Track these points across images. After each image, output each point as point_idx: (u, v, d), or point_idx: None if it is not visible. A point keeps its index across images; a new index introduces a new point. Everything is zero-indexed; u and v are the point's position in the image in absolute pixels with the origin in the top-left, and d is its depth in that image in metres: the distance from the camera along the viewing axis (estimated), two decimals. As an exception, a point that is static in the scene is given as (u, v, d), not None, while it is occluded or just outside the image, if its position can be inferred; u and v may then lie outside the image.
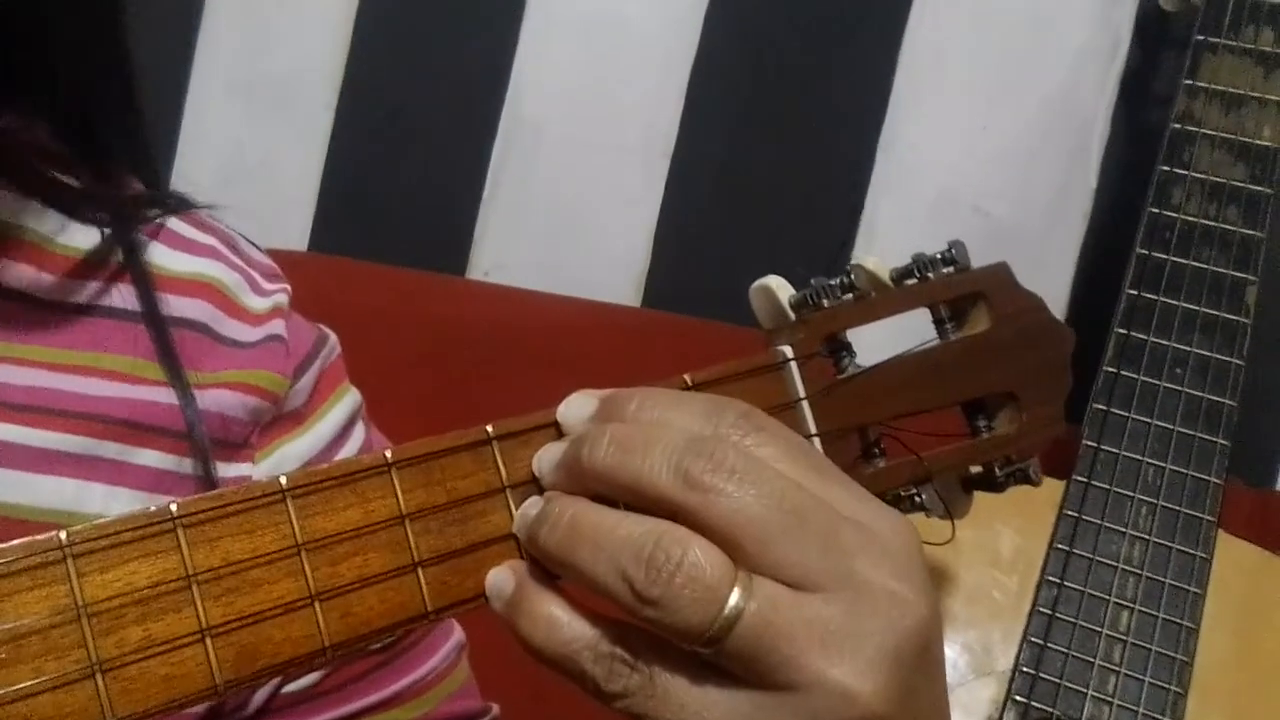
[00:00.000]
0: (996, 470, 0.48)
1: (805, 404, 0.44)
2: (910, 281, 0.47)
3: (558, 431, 0.40)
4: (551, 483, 0.39)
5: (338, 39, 1.13)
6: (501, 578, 0.38)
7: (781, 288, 0.45)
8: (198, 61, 1.14)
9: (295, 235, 1.14)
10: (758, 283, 0.46)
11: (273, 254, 0.58)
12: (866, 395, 0.45)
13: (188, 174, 1.14)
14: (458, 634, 0.61)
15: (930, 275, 0.47)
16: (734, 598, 0.34)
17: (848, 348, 0.45)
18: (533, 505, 0.39)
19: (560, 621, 0.37)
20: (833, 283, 0.45)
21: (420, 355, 0.97)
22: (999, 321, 0.47)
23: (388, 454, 0.38)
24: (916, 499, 0.45)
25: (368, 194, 1.14)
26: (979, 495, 0.78)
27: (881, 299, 0.46)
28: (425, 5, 1.13)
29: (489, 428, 0.39)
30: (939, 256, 0.47)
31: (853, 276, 0.45)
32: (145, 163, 0.56)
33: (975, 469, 0.49)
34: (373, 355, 0.80)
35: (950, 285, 0.47)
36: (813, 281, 0.45)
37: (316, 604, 0.37)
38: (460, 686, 0.60)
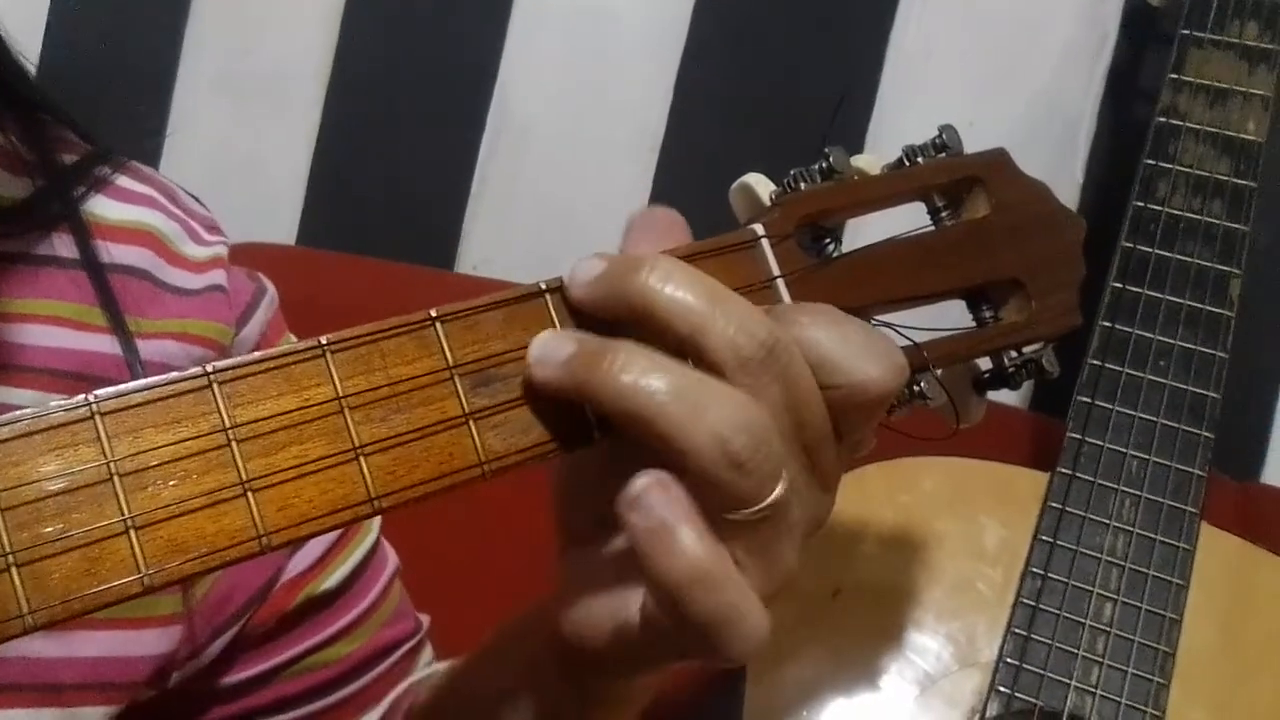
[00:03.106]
0: (1006, 362, 0.45)
1: (781, 283, 0.42)
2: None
3: (504, 314, 0.39)
4: (585, 296, 0.39)
5: (325, 34, 1.13)
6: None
7: (761, 183, 0.44)
8: (185, 57, 1.14)
9: (283, 230, 1.14)
10: (737, 182, 0.44)
11: (261, 248, 0.59)
12: (852, 280, 0.42)
13: (175, 169, 1.13)
14: (392, 563, 0.63)
15: (920, 161, 0.44)
16: (783, 479, 0.37)
17: (832, 234, 0.43)
18: (563, 339, 0.38)
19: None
20: (811, 167, 0.43)
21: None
22: (999, 208, 0.44)
23: (322, 339, 0.36)
24: (915, 387, 0.43)
25: (356, 189, 1.14)
26: (962, 489, 0.77)
27: (865, 183, 0.44)
28: (412, 1, 1.13)
29: (432, 311, 0.38)
30: (930, 143, 0.45)
31: (831, 160, 0.43)
32: (63, 116, 0.55)
33: (985, 366, 0.46)
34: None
35: (942, 170, 0.44)
36: (791, 171, 0.43)
37: (250, 495, 0.34)
38: (393, 613, 0.62)
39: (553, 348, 0.38)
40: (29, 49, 0.54)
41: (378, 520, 0.62)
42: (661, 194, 1.11)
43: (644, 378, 0.36)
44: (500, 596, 0.86)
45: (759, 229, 0.42)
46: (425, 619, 0.65)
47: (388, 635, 0.61)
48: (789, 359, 0.38)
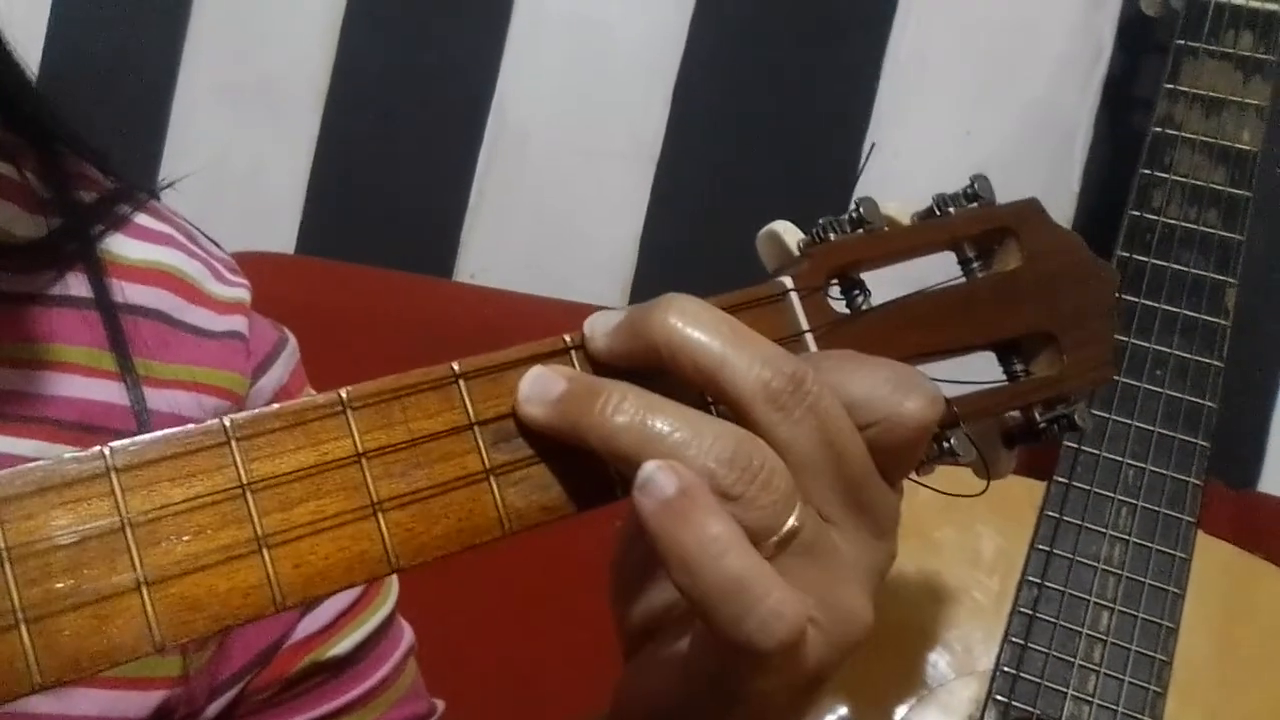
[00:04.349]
0: (1037, 416, 0.44)
1: (809, 337, 0.41)
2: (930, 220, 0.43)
3: (528, 368, 0.38)
4: (606, 346, 0.38)
5: (325, 43, 1.13)
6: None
7: (789, 231, 0.43)
8: (185, 65, 1.15)
9: (283, 239, 1.15)
10: (764, 229, 0.43)
11: (260, 257, 0.58)
12: (882, 333, 0.42)
13: (174, 177, 1.14)
14: (407, 639, 0.61)
15: (951, 211, 0.44)
16: (796, 511, 0.36)
17: (861, 285, 0.42)
18: (553, 376, 0.37)
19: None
20: (841, 217, 0.42)
21: (407, 357, 0.97)
22: (1032, 259, 0.44)
23: (343, 393, 0.35)
24: (945, 444, 0.42)
25: (354, 198, 1.15)
26: (957, 499, 0.76)
27: (896, 234, 0.43)
28: (412, 9, 1.13)
29: (454, 365, 0.37)
30: (961, 192, 0.44)
31: (862, 210, 0.42)
32: (86, 150, 0.54)
33: (1014, 419, 0.45)
34: (358, 356, 0.80)
35: (974, 220, 0.44)
36: (820, 220, 0.43)
37: (265, 551, 0.34)
38: (405, 692, 0.60)
39: (543, 385, 0.37)
40: (29, 59, 0.53)
41: (394, 591, 0.60)
42: (659, 204, 1.11)
43: (635, 418, 0.36)
44: (519, 684, 0.86)
45: (788, 282, 0.41)
46: (440, 704, 0.62)
47: (398, 715, 0.59)
48: (820, 391, 0.37)
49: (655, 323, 0.37)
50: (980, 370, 0.45)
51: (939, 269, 0.45)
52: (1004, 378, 0.45)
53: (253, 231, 1.11)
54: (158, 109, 1.15)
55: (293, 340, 0.59)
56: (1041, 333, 0.44)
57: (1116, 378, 0.83)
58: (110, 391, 0.50)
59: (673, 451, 0.36)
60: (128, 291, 0.52)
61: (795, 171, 1.09)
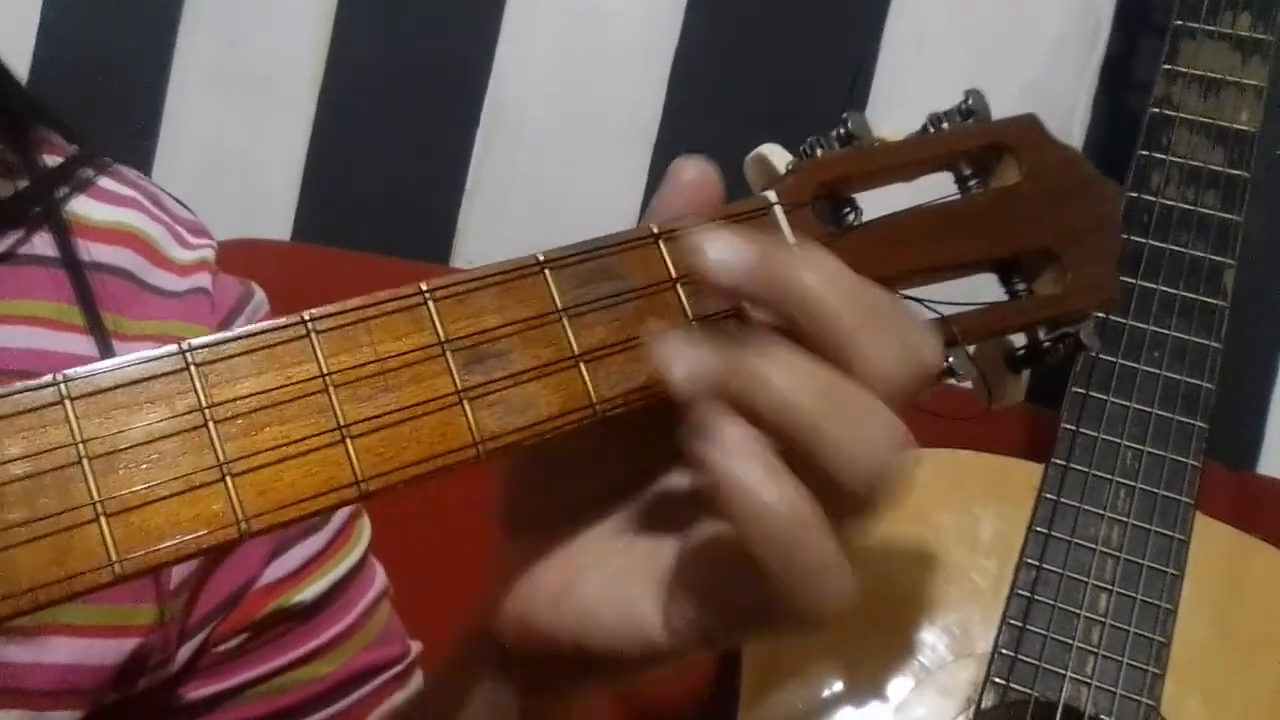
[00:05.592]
0: (1041, 336, 0.43)
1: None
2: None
3: (499, 288, 0.37)
4: (727, 279, 0.36)
5: (319, 29, 1.13)
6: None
7: (776, 154, 0.42)
8: (179, 53, 1.14)
9: (278, 227, 1.14)
10: (752, 153, 0.42)
11: (256, 244, 0.58)
12: (874, 251, 0.40)
13: (169, 165, 1.13)
14: (379, 583, 0.61)
15: (946, 127, 0.42)
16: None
17: (852, 205, 0.41)
18: (688, 347, 0.35)
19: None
20: (829, 134, 0.41)
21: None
22: (1031, 175, 0.42)
23: (306, 315, 0.34)
24: (945, 363, 0.41)
25: (351, 185, 1.14)
26: (957, 481, 0.76)
27: (887, 150, 0.42)
28: (406, -5, 1.12)
29: (422, 284, 0.36)
30: (956, 108, 0.43)
31: (850, 125, 0.41)
32: (48, 117, 0.55)
33: (1019, 342, 0.44)
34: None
35: (970, 136, 0.42)
36: (808, 138, 0.41)
37: (229, 479, 0.32)
38: (377, 636, 0.60)
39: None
40: (22, 48, 0.54)
41: (365, 537, 0.60)
42: (656, 188, 1.10)
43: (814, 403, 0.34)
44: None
45: (771, 196, 0.40)
46: (416, 646, 0.62)
47: (369, 659, 0.59)
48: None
49: (786, 276, 0.36)
50: (983, 292, 0.44)
51: (936, 192, 0.43)
52: (1006, 298, 0.44)
53: (249, 219, 1.11)
54: (152, 98, 1.14)
55: (259, 294, 0.59)
56: (1042, 249, 0.43)
57: (1114, 359, 0.83)
58: (79, 344, 0.51)
59: (838, 433, 0.34)
60: (93, 250, 0.53)
61: (792, 153, 1.08)
